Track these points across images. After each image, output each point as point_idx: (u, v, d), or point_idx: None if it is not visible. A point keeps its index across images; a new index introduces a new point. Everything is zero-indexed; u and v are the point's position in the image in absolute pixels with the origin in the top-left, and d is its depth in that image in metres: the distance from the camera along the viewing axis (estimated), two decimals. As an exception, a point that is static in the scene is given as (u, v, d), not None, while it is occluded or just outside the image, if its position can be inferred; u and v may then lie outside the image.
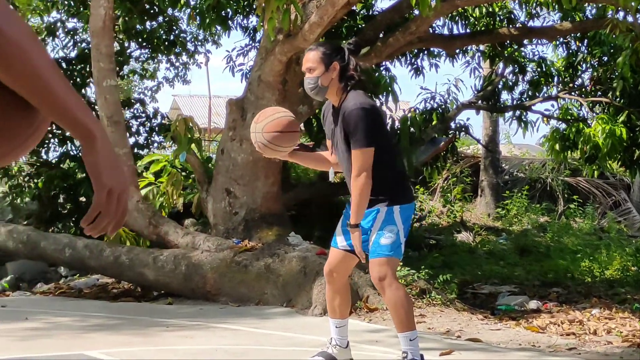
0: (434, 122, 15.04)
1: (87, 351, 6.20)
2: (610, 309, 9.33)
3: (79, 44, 16.45)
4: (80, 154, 16.02)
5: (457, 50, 15.68)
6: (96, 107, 11.13)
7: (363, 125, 5.06)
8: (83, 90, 16.28)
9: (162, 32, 17.11)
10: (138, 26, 16.14)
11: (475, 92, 16.13)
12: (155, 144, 17.10)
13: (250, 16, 15.48)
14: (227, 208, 10.51)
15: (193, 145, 10.47)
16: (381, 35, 11.69)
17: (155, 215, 10.49)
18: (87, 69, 15.34)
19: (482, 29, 15.06)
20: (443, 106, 15.58)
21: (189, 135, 10.27)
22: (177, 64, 18.97)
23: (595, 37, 14.16)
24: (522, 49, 16.14)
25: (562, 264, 13.57)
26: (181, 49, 17.94)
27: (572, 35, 15.13)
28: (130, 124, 16.86)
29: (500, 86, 16.05)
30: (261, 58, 10.31)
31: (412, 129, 14.14)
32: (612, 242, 15.74)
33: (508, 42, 15.28)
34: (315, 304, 8.19)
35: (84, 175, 15.54)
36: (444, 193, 21.07)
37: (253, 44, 15.51)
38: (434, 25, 15.26)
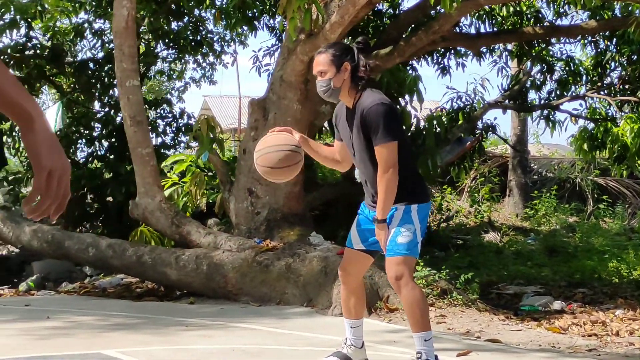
0: (459, 122, 14.96)
1: (104, 350, 6.21)
2: (635, 309, 9.23)
3: (106, 45, 16.52)
4: (107, 154, 16.13)
5: (484, 50, 15.62)
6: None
7: (385, 121, 5.03)
8: (111, 91, 16.39)
9: (188, 32, 17.14)
10: (164, 27, 16.19)
11: (502, 92, 16.03)
12: (182, 144, 17.15)
13: (277, 16, 15.48)
14: (249, 208, 10.53)
15: (215, 145, 10.48)
16: (405, 34, 11.64)
17: (177, 215, 10.51)
18: (115, 70, 15.40)
19: (509, 28, 14.97)
20: (470, 106, 15.49)
21: (211, 135, 10.28)
22: (204, 64, 19.00)
23: (624, 36, 14.03)
24: (550, 47, 16.03)
25: (589, 264, 13.45)
26: (208, 49, 17.97)
27: (601, 33, 15.01)
28: (157, 124, 16.93)
29: (527, 85, 15.95)
30: (283, 58, 10.31)
31: (437, 129, 14.08)
32: (641, 243, 15.60)
33: (535, 41, 15.17)
34: (335, 303, 8.17)
35: (111, 175, 15.63)
36: (472, 193, 20.96)
37: (279, 44, 15.50)
38: (460, 24, 15.22)
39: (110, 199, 15.64)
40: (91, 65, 16.95)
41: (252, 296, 9.19)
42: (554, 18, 15.33)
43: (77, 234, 11.40)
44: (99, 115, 16.61)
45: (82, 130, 16.36)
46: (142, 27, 16.24)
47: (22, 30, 16.19)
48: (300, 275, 8.88)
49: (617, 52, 15.14)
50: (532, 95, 16.47)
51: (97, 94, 16.86)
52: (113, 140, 15.90)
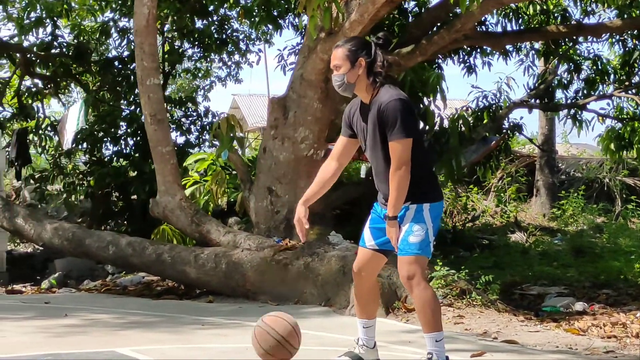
0: (485, 121, 14.86)
1: (118, 348, 6.21)
2: (658, 311, 9.12)
3: (132, 43, 16.56)
4: (132, 152, 16.17)
5: (511, 48, 15.51)
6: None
7: (401, 117, 4.99)
8: (136, 89, 16.43)
9: (213, 31, 17.16)
10: (189, 25, 16.22)
11: (528, 91, 15.91)
12: (207, 143, 17.16)
13: (302, 15, 15.45)
14: (269, 207, 10.51)
15: (235, 144, 10.47)
16: (427, 33, 11.57)
17: (197, 214, 10.51)
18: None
19: (536, 26, 14.84)
20: (495, 105, 15.39)
21: (231, 134, 10.27)
22: (230, 62, 19.02)
23: (652, 35, 13.90)
24: (577, 46, 15.89)
25: (615, 265, 13.31)
26: (233, 47, 17.98)
27: (629, 32, 14.85)
28: (182, 123, 16.96)
29: (553, 84, 15.81)
30: (303, 56, 10.28)
31: (462, 128, 13.99)
32: (669, 243, 15.42)
33: (562, 39, 15.04)
34: (353, 303, 8.10)
35: (136, 173, 15.67)
36: (498, 193, 20.82)
37: (304, 43, 15.50)
38: (487, 23, 15.13)
39: (134, 197, 15.69)
40: (116, 63, 17.02)
41: (271, 295, 9.16)
42: (581, 16, 15.19)
43: (97, 232, 11.43)
44: (124, 114, 16.66)
45: (108, 129, 16.40)
46: (166, 25, 16.30)
47: (48, 29, 16.28)
48: (318, 274, 8.84)
49: (646, 50, 14.99)
50: (559, 94, 16.37)
51: (122, 92, 16.91)
52: (138, 138, 15.94)
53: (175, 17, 15.42)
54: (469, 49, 14.82)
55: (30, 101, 17.83)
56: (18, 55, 16.95)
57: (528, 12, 14.94)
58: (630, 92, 15.45)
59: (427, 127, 13.37)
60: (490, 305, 8.42)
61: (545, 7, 14.94)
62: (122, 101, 17.24)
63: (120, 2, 16.16)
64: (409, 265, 5.09)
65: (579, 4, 14.75)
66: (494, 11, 14.08)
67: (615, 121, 15.62)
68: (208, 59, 19.10)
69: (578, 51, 16.00)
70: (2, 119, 17.44)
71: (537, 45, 15.89)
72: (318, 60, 9.89)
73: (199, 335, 7.00)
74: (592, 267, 13.36)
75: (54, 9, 15.25)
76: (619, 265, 13.21)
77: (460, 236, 16.61)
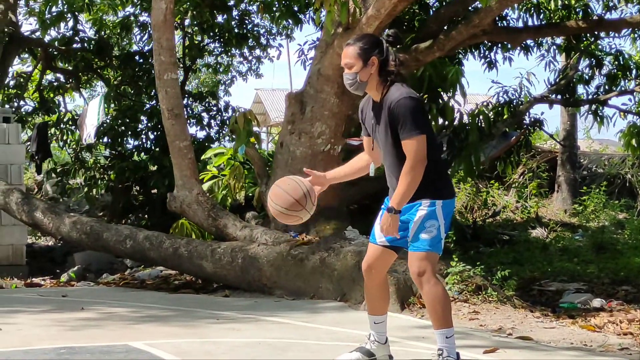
0: (505, 116, 14.81)
1: (131, 342, 6.23)
2: (676, 308, 9.06)
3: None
4: (152, 146, 16.24)
5: (532, 44, 15.45)
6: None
7: (413, 114, 4.97)
8: (157, 84, 16.49)
9: (234, 25, 17.19)
10: (209, 20, 16.25)
11: (549, 86, 15.83)
12: (227, 138, 17.21)
13: (321, 10, 15.44)
14: (286, 201, 10.48)
15: (253, 139, 10.48)
16: (445, 28, 11.54)
17: (214, 208, 10.53)
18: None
19: (557, 21, 14.77)
20: (516, 100, 15.33)
21: (248, 129, 10.28)
22: (250, 57, 19.05)
23: (675, 30, 13.80)
24: (599, 42, 15.80)
25: (635, 261, 13.24)
26: (254, 42, 18.01)
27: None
28: (202, 117, 17.01)
29: (575, 80, 15.73)
30: (321, 52, 10.28)
31: (481, 124, 13.95)
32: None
33: (584, 35, 14.96)
34: (367, 299, 8.11)
35: (155, 167, 15.74)
36: (519, 188, 20.74)
37: (325, 38, 15.48)
38: (508, 18, 15.07)
39: (154, 191, 15.76)
40: (137, 58, 17.09)
41: (287, 290, 9.17)
42: (603, 12, 15.09)
43: (115, 226, 11.46)
44: (145, 108, 16.72)
45: (129, 123, 16.48)
46: (187, 21, 16.34)
47: (70, 24, 16.36)
48: (334, 269, 8.83)
49: (668, 46, 14.89)
50: (580, 89, 16.28)
51: (143, 86, 16.98)
52: (158, 132, 16.00)
53: (195, 12, 15.45)
54: (489, 44, 14.77)
55: (51, 96, 17.94)
56: (39, 49, 17.05)
57: (549, 7, 14.87)
58: (652, 87, 15.38)
59: (447, 123, 13.35)
60: (506, 301, 8.39)
61: (567, 2, 14.85)
62: (142, 95, 17.31)
63: (140, -4, 16.24)
64: (419, 262, 5.08)
65: (600, -1, 14.72)
66: (515, 6, 14.03)
67: (637, 117, 15.52)
68: (229, 54, 19.13)
69: (600, 46, 15.92)
70: (23, 113, 17.56)
71: (558, 41, 15.80)
72: (335, 55, 9.87)
73: (213, 330, 7.01)
74: (612, 264, 13.30)
75: (75, 3, 15.33)
76: (639, 262, 13.13)
77: (481, 232, 16.58)
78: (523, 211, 19.23)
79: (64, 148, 18.69)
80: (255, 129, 11.23)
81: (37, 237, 16.57)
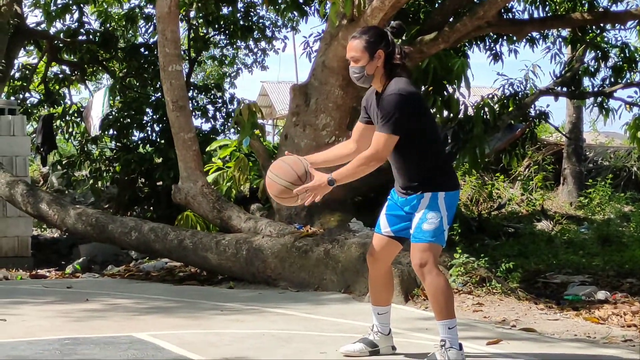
0: (510, 109, 14.79)
1: (136, 333, 6.26)
2: (681, 300, 9.05)
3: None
4: (157, 138, 16.25)
5: (538, 36, 15.43)
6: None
7: (394, 112, 4.98)
8: (162, 76, 16.49)
9: (239, 17, 17.18)
10: (214, 12, 16.24)
11: (555, 78, 15.81)
12: (232, 130, 17.21)
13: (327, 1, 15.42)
14: (290, 193, 10.49)
15: (257, 131, 10.48)
16: (450, 20, 11.52)
17: (219, 200, 10.54)
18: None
19: (562, 13, 14.74)
20: (521, 92, 15.31)
21: (252, 121, 10.28)
22: (256, 49, 19.05)
23: (680, 22, 13.76)
24: (604, 34, 15.77)
25: (640, 254, 13.23)
26: (259, 34, 18.00)
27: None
28: (207, 110, 17.01)
29: (580, 72, 15.70)
30: (325, 44, 10.27)
31: (486, 116, 13.93)
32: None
33: (589, 27, 14.92)
34: (372, 290, 8.10)
35: (161, 159, 15.74)
36: (525, 181, 20.72)
37: (329, 30, 15.46)
38: (514, 10, 15.04)
39: (160, 183, 15.78)
40: (142, 50, 17.09)
41: (291, 281, 9.17)
42: (609, 4, 15.06)
43: (120, 218, 11.48)
44: (150, 100, 16.73)
45: (134, 115, 16.49)
46: (192, 13, 16.33)
47: (75, 16, 16.37)
48: (338, 261, 8.84)
49: (674, 38, 14.85)
50: (586, 82, 16.26)
51: (148, 78, 16.99)
52: (163, 125, 16.01)
53: (200, 4, 15.44)
54: (494, 36, 14.75)
55: (57, 88, 17.96)
56: (45, 41, 17.07)
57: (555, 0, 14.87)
58: (658, 79, 15.36)
59: (452, 115, 13.33)
60: (510, 293, 8.40)
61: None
62: (148, 87, 17.32)
63: (145, -12, 16.25)
64: (421, 253, 5.10)
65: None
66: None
67: (643, 110, 15.51)
68: (234, 46, 19.13)
69: (605, 39, 15.88)
70: (28, 105, 17.58)
71: (564, 33, 15.77)
72: (340, 47, 9.86)
73: (217, 321, 7.03)
74: (617, 256, 13.29)
75: (80, -5, 15.36)
76: (644, 255, 13.13)
77: (486, 224, 16.57)
78: (528, 204, 19.21)
79: (70, 140, 18.71)
80: (260, 121, 11.23)
81: (42, 229, 16.61)
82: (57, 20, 15.80)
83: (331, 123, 10.35)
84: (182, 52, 14.67)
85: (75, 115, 17.53)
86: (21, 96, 17.47)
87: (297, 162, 5.20)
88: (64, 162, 17.51)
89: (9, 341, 5.88)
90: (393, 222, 5.33)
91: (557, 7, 15.06)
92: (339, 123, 10.40)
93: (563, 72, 15.74)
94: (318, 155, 5.51)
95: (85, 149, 17.49)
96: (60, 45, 17.22)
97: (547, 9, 14.76)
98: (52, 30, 16.73)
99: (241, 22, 17.33)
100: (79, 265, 12.19)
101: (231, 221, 10.31)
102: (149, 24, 17.16)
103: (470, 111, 13.94)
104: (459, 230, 13.07)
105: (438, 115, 12.97)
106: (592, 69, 15.79)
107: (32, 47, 18.00)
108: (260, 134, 10.81)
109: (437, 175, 5.16)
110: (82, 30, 16.82)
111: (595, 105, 15.76)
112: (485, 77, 66.76)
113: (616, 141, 26.62)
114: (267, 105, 42.47)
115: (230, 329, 6.64)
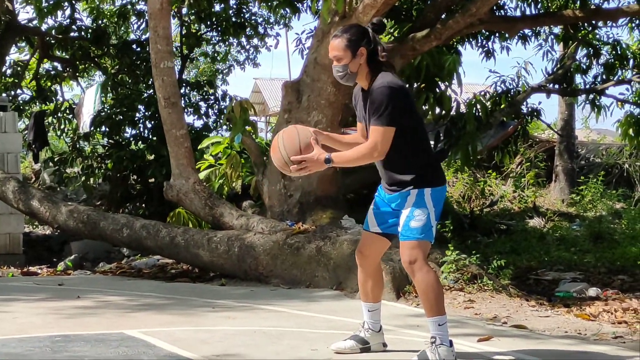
0: (502, 106, 14.80)
1: (127, 330, 6.25)
2: (672, 297, 9.06)
3: (150, 27, 16.59)
4: (149, 135, 16.22)
5: (530, 33, 15.44)
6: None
7: (387, 104, 4.98)
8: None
9: (231, 14, 17.16)
10: (207, 9, 16.22)
11: (547, 75, 15.82)
12: (225, 127, 17.19)
13: (319, -1, 15.40)
14: (282, 190, 10.52)
15: (249, 128, 10.47)
16: (442, 17, 11.52)
17: (211, 197, 10.53)
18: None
19: (554, 10, 14.75)
20: (513, 89, 15.33)
21: (244, 118, 10.27)
22: (248, 46, 19.04)
23: (672, 19, 13.79)
24: (596, 31, 15.79)
25: (632, 251, 13.26)
26: (252, 31, 17.99)
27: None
28: (200, 106, 16.99)
29: (572, 69, 15.72)
30: (317, 40, 10.26)
31: (479, 113, 13.94)
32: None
33: (581, 24, 14.93)
34: (363, 287, 8.11)
35: (153, 156, 15.72)
36: (517, 178, 20.75)
37: (321, 27, 15.43)
38: (506, 7, 15.04)
39: (152, 180, 15.76)
40: (135, 46, 17.06)
41: (283, 279, 9.18)
42: (601, 1, 15.07)
43: (112, 215, 11.47)
44: (142, 97, 16.71)
45: (126, 112, 16.46)
46: (184, 9, 16.31)
47: (67, 12, 16.34)
48: (330, 258, 8.84)
49: (666, 35, 14.88)
50: (578, 79, 16.29)
51: (140, 75, 16.96)
52: (156, 121, 15.99)
53: (192, 0, 15.41)
54: (487, 33, 14.75)
55: (49, 84, 17.92)
56: (37, 38, 17.04)
57: (547, -4, 14.89)
58: (649, 77, 15.38)
59: (444, 112, 13.34)
60: (501, 290, 8.41)
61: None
62: (140, 84, 17.30)
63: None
64: (410, 250, 5.10)
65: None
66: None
67: (634, 106, 15.53)
68: (226, 43, 19.12)
69: (597, 36, 15.90)
70: (20, 101, 17.54)
71: (556, 30, 15.79)
72: (332, 44, 9.85)
73: (208, 318, 7.02)
74: (609, 253, 13.32)
75: (72, -8, 15.33)
76: (636, 251, 13.15)
77: (478, 221, 16.60)
78: (520, 201, 19.24)
79: (62, 137, 18.68)
80: (252, 118, 11.22)
81: (34, 226, 16.58)
82: (49, 16, 15.76)
83: (323, 120, 10.34)
84: (174, 49, 14.67)
85: (67, 112, 17.51)
86: (13, 93, 17.44)
87: (306, 133, 5.19)
88: (55, 159, 17.49)
89: (-1, 338, 5.88)
90: (381, 218, 5.34)
91: (549, 4, 15.06)
92: (331, 120, 10.39)
93: (555, 69, 15.75)
94: (335, 135, 5.54)
95: (77, 145, 17.47)
96: (52, 41, 17.19)
97: (539, 6, 14.75)
98: (44, 27, 16.70)
99: (233, 19, 17.32)
100: (71, 262, 12.17)
101: (223, 218, 10.30)
102: (141, 21, 17.14)
103: (463, 108, 13.95)
104: (451, 227, 13.09)
105: (430, 113, 12.98)
106: (584, 66, 15.80)
107: (23, 44, 17.97)
108: (252, 131, 10.79)
109: (423, 172, 5.16)
110: (74, 26, 16.79)
111: (587, 102, 15.77)
112: (477, 74, 66.90)
113: (608, 138, 26.67)
114: (260, 102, 42.44)
115: (222, 326, 6.63)
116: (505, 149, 15.99)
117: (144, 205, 16.16)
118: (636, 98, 15.59)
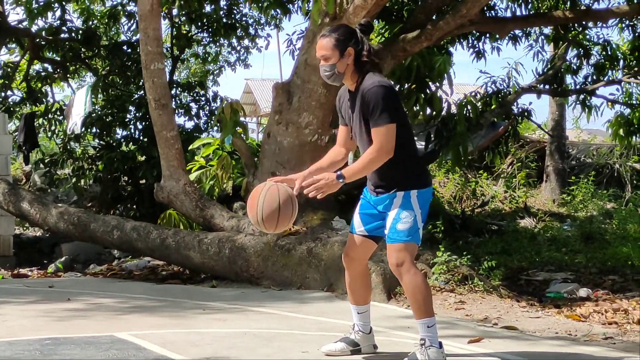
0: (492, 106, 14.81)
1: (117, 332, 6.24)
2: (662, 298, 9.08)
3: (140, 28, 16.56)
4: (140, 136, 16.19)
5: (520, 34, 15.45)
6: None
7: (383, 102, 4.98)
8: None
9: (222, 15, 17.15)
10: (197, 10, 16.20)
11: (537, 76, 15.84)
12: (216, 128, 17.17)
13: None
14: (273, 192, 10.47)
15: (240, 129, 10.45)
16: (433, 18, 11.52)
17: (201, 199, 10.52)
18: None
19: (544, 11, 14.77)
20: (504, 90, 15.34)
21: (235, 119, 10.26)
22: (239, 47, 19.02)
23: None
24: (587, 32, 15.82)
25: (623, 251, 13.28)
26: (243, 32, 17.97)
27: (639, 17, 14.79)
28: (190, 108, 16.97)
29: (562, 69, 15.74)
30: (308, 41, 10.24)
31: (469, 114, 13.94)
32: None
33: (572, 25, 14.96)
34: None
35: (144, 158, 15.70)
36: (508, 178, 20.78)
37: (312, 28, 15.42)
38: (497, 8, 15.05)
39: (143, 181, 15.73)
40: (125, 48, 17.03)
41: (274, 280, 9.18)
42: (590, 2, 15.10)
43: (103, 217, 11.46)
44: (133, 98, 16.68)
45: (117, 113, 16.43)
46: (175, 10, 16.28)
47: (57, 13, 16.30)
48: (321, 259, 8.85)
49: (655, 36, 14.91)
50: (568, 79, 16.31)
51: (131, 76, 16.93)
52: (147, 123, 15.96)
53: (182, 2, 15.39)
54: (477, 34, 14.75)
55: (39, 86, 17.88)
56: (27, 39, 16.98)
57: (538, -3, 14.90)
58: (639, 77, 15.39)
59: (434, 113, 13.35)
60: (492, 291, 8.43)
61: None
62: (131, 85, 17.27)
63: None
64: (397, 253, 5.10)
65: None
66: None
67: (625, 107, 15.57)
68: (217, 44, 19.10)
69: (588, 36, 15.93)
70: (10, 103, 17.50)
71: (546, 31, 15.81)
72: (322, 45, 9.84)
73: (199, 320, 7.02)
74: (600, 254, 13.35)
75: (62, -8, 15.28)
76: (627, 252, 13.18)
77: (470, 222, 16.61)
78: (512, 201, 19.27)
79: (52, 138, 18.63)
80: (242, 119, 11.20)
81: (24, 228, 16.53)
82: (39, 18, 15.70)
83: (314, 121, 10.33)
84: (165, 50, 14.64)
85: (58, 113, 17.46)
86: (3, 94, 17.38)
87: (285, 190, 5.09)
88: (46, 161, 17.44)
89: (-11, 341, 5.86)
90: (367, 221, 5.34)
91: (540, 5, 15.08)
92: (321, 121, 10.38)
93: (545, 70, 15.77)
94: (312, 166, 5.40)
95: (68, 147, 17.42)
96: (43, 43, 17.13)
97: (529, 7, 14.76)
98: (34, 28, 16.64)
99: (224, 20, 17.29)
100: (61, 265, 12.14)
101: (214, 220, 10.30)
102: (132, 22, 17.11)
103: (453, 109, 13.95)
104: (442, 228, 13.11)
105: (421, 113, 12.99)
106: (575, 67, 15.83)
107: (14, 45, 17.90)
108: (242, 132, 10.77)
109: (409, 174, 5.16)
110: (64, 28, 16.73)
111: (578, 102, 15.80)
112: (468, 74, 66.81)
113: (598, 138, 26.71)
114: (252, 103, 42.42)
115: (213, 328, 6.63)
116: (496, 150, 16.00)
117: (134, 206, 16.13)
118: (626, 98, 15.61)
